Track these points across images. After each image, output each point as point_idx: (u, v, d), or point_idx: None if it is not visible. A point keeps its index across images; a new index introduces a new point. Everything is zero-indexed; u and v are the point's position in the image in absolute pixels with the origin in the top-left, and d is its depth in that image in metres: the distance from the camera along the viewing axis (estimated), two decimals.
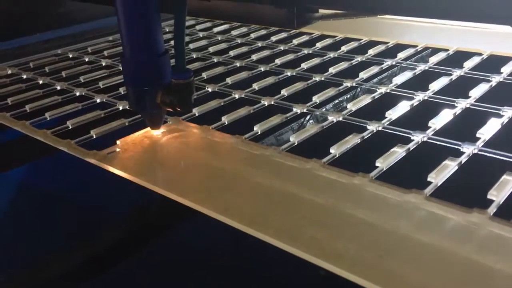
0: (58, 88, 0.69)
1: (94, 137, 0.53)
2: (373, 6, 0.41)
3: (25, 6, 0.91)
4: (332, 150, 0.47)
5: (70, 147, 0.51)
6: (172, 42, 0.77)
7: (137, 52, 0.47)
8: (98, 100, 0.63)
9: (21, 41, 0.88)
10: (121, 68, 0.75)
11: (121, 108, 0.61)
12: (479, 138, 0.47)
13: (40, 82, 0.72)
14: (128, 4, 0.45)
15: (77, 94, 0.66)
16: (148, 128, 0.53)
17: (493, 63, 0.66)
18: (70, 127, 0.56)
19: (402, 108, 0.54)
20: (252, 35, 0.87)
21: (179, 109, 0.48)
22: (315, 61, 0.72)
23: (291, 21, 0.44)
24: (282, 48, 0.79)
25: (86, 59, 0.81)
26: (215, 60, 0.76)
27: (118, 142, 0.51)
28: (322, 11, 0.46)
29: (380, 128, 0.51)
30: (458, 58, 0.69)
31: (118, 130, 0.55)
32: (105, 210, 0.53)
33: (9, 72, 0.77)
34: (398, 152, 0.45)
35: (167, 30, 0.88)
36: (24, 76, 0.75)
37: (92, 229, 0.51)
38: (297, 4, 0.44)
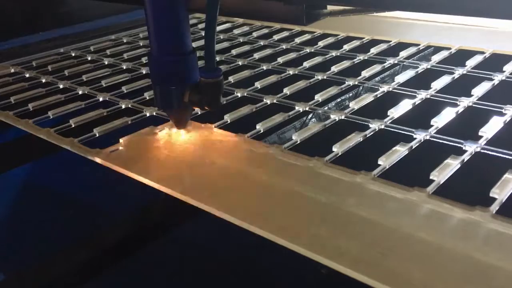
0: (61, 86, 0.69)
1: (97, 135, 0.54)
2: (382, 2, 0.41)
3: (28, 5, 0.92)
4: (334, 149, 0.47)
5: (73, 145, 0.51)
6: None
7: (165, 50, 0.47)
8: (100, 99, 0.64)
9: (24, 40, 0.88)
10: (124, 66, 0.75)
11: (123, 106, 0.61)
12: (481, 137, 0.47)
13: (43, 80, 0.72)
14: (158, 2, 0.45)
15: (80, 92, 0.66)
16: (151, 127, 0.53)
17: (496, 61, 0.66)
18: (73, 126, 0.56)
19: (404, 106, 0.55)
20: (255, 34, 0.87)
21: (207, 108, 0.48)
22: (318, 59, 0.72)
23: (300, 18, 0.44)
24: (284, 46, 0.79)
25: (89, 58, 0.81)
26: (217, 58, 0.76)
27: (121, 140, 0.51)
28: (330, 8, 0.46)
29: (382, 127, 0.51)
30: (461, 56, 0.69)
31: (121, 128, 0.55)
32: (108, 208, 0.53)
33: (12, 70, 0.77)
34: (401, 151, 0.45)
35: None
36: (27, 75, 0.75)
37: (95, 227, 0.51)
38: (306, 1, 0.44)
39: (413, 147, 0.46)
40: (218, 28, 0.93)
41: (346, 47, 0.76)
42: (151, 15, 0.45)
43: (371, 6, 0.46)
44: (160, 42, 0.46)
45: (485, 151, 0.45)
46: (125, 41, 0.89)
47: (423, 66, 0.66)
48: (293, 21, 0.45)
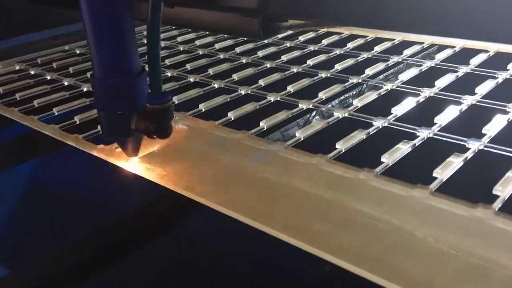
0: (66, 83, 0.70)
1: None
2: (343, 16, 0.39)
3: (32, 3, 0.92)
4: (338, 146, 0.47)
5: (78, 142, 0.51)
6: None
7: (108, 73, 0.42)
8: None
9: (29, 37, 0.89)
10: None
11: None
12: (484, 134, 0.47)
13: (48, 77, 0.73)
14: (99, 19, 0.40)
15: (85, 89, 0.67)
16: None
17: (500, 60, 0.66)
18: (78, 122, 0.56)
19: (408, 104, 0.55)
20: None
21: (155, 137, 0.43)
22: (321, 57, 0.72)
23: (256, 32, 0.41)
24: (288, 45, 0.79)
25: None
26: (221, 56, 0.77)
27: None
28: (291, 21, 0.43)
29: (386, 124, 0.51)
30: (465, 55, 0.69)
31: None
32: (112, 203, 0.54)
33: (17, 68, 0.78)
34: (404, 148, 0.46)
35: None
36: (32, 72, 0.75)
37: (99, 223, 0.52)
38: (262, 14, 0.40)
39: (416, 145, 0.46)
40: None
41: (350, 45, 0.76)
42: (91, 33, 0.40)
43: (332, 20, 0.44)
44: (102, 63, 0.42)
45: (488, 149, 0.45)
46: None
47: (427, 64, 0.66)
48: (249, 35, 0.42)
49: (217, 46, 0.81)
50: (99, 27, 0.40)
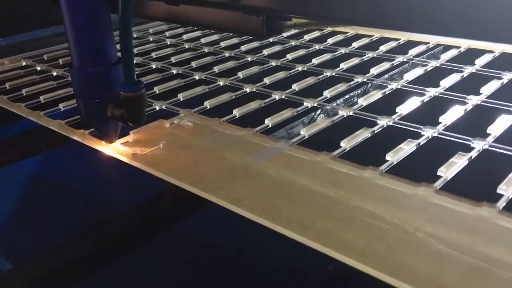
0: None
1: None
2: (347, 16, 0.39)
3: (39, 0, 0.92)
4: (342, 144, 0.47)
5: (83, 137, 0.52)
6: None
7: (85, 62, 0.44)
8: None
9: (35, 34, 0.89)
10: (137, 61, 0.76)
11: None
12: (489, 134, 0.47)
13: (54, 74, 0.73)
14: (75, 11, 0.42)
15: None
16: (161, 120, 0.54)
17: (505, 60, 0.66)
18: None
19: (413, 103, 0.55)
20: None
21: (130, 124, 0.45)
22: (326, 56, 0.72)
23: (260, 30, 0.41)
24: (293, 43, 0.80)
25: None
26: (227, 54, 0.77)
27: (131, 133, 0.51)
28: (295, 20, 0.43)
29: (390, 123, 0.51)
30: (470, 55, 0.69)
31: None
32: (118, 198, 0.54)
33: (24, 64, 0.78)
34: (408, 147, 0.46)
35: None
36: (38, 68, 0.76)
37: (104, 217, 0.52)
38: (266, 12, 0.41)
39: (421, 144, 0.47)
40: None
41: (355, 44, 0.76)
42: (69, 23, 0.42)
43: (335, 20, 0.44)
44: (79, 53, 0.44)
45: (493, 149, 0.45)
46: (135, 36, 0.90)
47: (432, 64, 0.66)
48: (253, 33, 0.42)
49: (222, 44, 0.82)
50: (76, 20, 0.43)
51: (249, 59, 0.74)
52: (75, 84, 0.46)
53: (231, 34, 0.87)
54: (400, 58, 0.69)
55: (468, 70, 0.63)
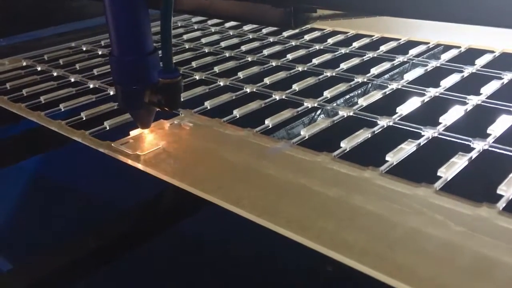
0: (72, 80, 0.70)
1: (108, 128, 0.54)
2: (373, 6, 0.40)
3: (40, 0, 0.93)
4: (342, 144, 0.47)
5: (84, 138, 0.52)
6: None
7: (125, 50, 0.46)
8: (111, 93, 0.64)
9: (36, 34, 0.89)
10: None
11: None
12: (489, 135, 0.47)
13: (55, 74, 0.73)
14: (117, 2, 0.45)
15: (91, 86, 0.67)
16: (161, 120, 0.54)
17: (505, 60, 0.66)
18: (84, 118, 0.57)
19: (413, 104, 0.55)
20: (264, 30, 0.87)
21: (166, 109, 0.47)
22: (327, 56, 0.72)
23: (288, 21, 0.43)
24: (293, 43, 0.80)
25: (99, 52, 0.82)
26: (227, 54, 0.77)
27: (131, 133, 0.52)
28: (320, 11, 0.45)
29: (390, 123, 0.51)
30: (470, 55, 0.69)
31: (131, 121, 0.55)
32: (118, 200, 0.54)
33: (24, 64, 0.78)
34: (409, 147, 0.46)
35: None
36: (39, 68, 0.76)
37: (105, 218, 0.52)
38: (294, 4, 0.43)
39: (421, 144, 0.47)
40: (229, 24, 0.93)
41: (356, 44, 0.76)
42: (110, 14, 0.45)
43: (361, 11, 0.45)
44: (120, 42, 0.46)
45: (493, 149, 0.45)
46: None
47: (433, 64, 0.66)
48: (281, 24, 0.44)
49: (222, 44, 0.82)
50: (117, 11, 0.45)
51: (250, 59, 0.74)
52: (114, 71, 0.48)
53: (231, 34, 0.87)
54: (400, 58, 0.69)
55: (468, 70, 0.63)
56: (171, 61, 0.45)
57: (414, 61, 0.69)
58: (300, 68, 0.68)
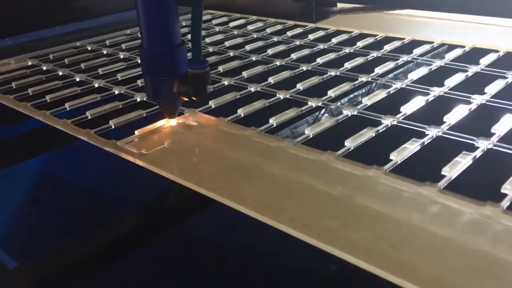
0: (77, 79, 0.70)
1: (113, 127, 0.54)
2: (392, 0, 0.40)
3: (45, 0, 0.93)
4: (346, 143, 0.47)
5: (90, 137, 0.52)
6: (188, 36, 0.78)
7: (155, 42, 0.49)
8: (116, 92, 0.65)
9: (41, 33, 0.90)
10: (139, 61, 0.76)
11: (138, 99, 0.62)
12: (493, 134, 0.47)
13: (60, 73, 0.73)
14: (149, 1, 0.47)
15: (96, 85, 0.68)
16: (166, 120, 0.54)
17: (510, 60, 0.66)
18: (89, 117, 0.57)
19: (417, 103, 0.55)
20: (268, 30, 0.88)
21: (194, 98, 0.50)
22: (331, 56, 0.72)
23: (309, 15, 0.44)
24: (298, 43, 0.80)
25: (104, 52, 0.82)
26: (231, 54, 0.77)
27: (136, 132, 0.52)
28: (340, 5, 0.46)
29: (395, 123, 0.51)
30: (475, 54, 0.69)
31: (136, 120, 0.56)
32: (123, 198, 0.54)
33: (30, 63, 0.79)
34: (413, 146, 0.46)
35: (184, 24, 0.89)
36: (44, 68, 0.76)
37: (110, 217, 0.52)
38: None
39: (425, 143, 0.47)
40: (232, 24, 0.94)
41: (360, 44, 0.76)
42: (141, 8, 0.47)
43: (381, 4, 0.46)
44: (150, 35, 0.49)
45: (497, 148, 0.45)
46: (139, 35, 0.90)
47: (437, 63, 0.66)
48: (303, 18, 0.45)
49: (226, 43, 0.82)
50: (148, 5, 0.47)
51: (254, 58, 0.74)
52: (143, 63, 0.50)
53: (235, 33, 0.88)
54: (404, 58, 0.69)
55: (472, 69, 0.63)
56: (200, 53, 0.47)
57: (418, 60, 0.69)
58: (304, 67, 0.69)
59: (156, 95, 0.51)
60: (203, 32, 0.89)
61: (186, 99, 0.50)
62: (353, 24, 0.85)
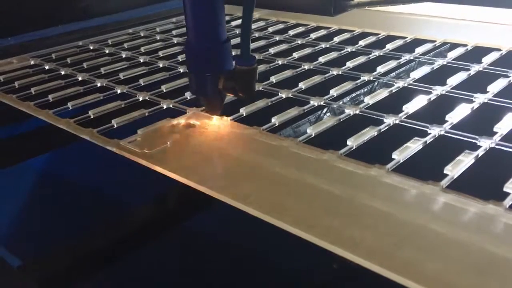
0: (80, 78, 0.71)
1: (115, 126, 0.55)
2: None
3: None
4: (349, 142, 0.47)
5: (92, 136, 0.52)
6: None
7: (201, 38, 0.49)
8: (118, 91, 0.65)
9: (43, 33, 0.90)
10: (141, 60, 0.76)
11: (141, 99, 0.62)
12: (496, 133, 0.47)
13: (62, 72, 0.74)
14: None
15: (98, 85, 0.68)
16: (168, 119, 0.54)
17: None
18: (92, 116, 0.57)
19: (419, 102, 0.55)
20: (270, 29, 0.88)
21: (241, 95, 0.49)
22: (333, 55, 0.72)
23: (328, 9, 0.44)
24: (299, 42, 0.80)
25: (107, 51, 0.82)
26: (234, 53, 0.77)
27: (138, 131, 0.52)
28: None
29: (397, 122, 0.51)
30: (477, 53, 0.68)
31: (139, 120, 0.56)
32: (126, 197, 0.54)
33: (32, 62, 0.79)
34: (415, 145, 0.46)
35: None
36: (47, 67, 0.76)
37: (113, 216, 0.53)
38: None
39: (428, 142, 0.47)
40: (234, 23, 0.94)
41: (362, 42, 0.76)
42: (189, 4, 0.47)
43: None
44: (197, 31, 0.48)
45: (500, 147, 0.45)
46: (142, 35, 0.91)
47: (439, 62, 0.66)
48: (321, 12, 0.45)
49: None
50: (196, 2, 0.47)
51: (256, 57, 0.74)
52: (189, 59, 0.50)
53: (237, 32, 0.88)
54: (406, 57, 0.69)
55: (475, 68, 0.63)
56: (249, 50, 0.47)
57: (420, 59, 0.69)
58: (306, 66, 0.69)
59: (200, 91, 0.51)
60: None
61: (232, 95, 0.51)
62: (355, 22, 0.85)
